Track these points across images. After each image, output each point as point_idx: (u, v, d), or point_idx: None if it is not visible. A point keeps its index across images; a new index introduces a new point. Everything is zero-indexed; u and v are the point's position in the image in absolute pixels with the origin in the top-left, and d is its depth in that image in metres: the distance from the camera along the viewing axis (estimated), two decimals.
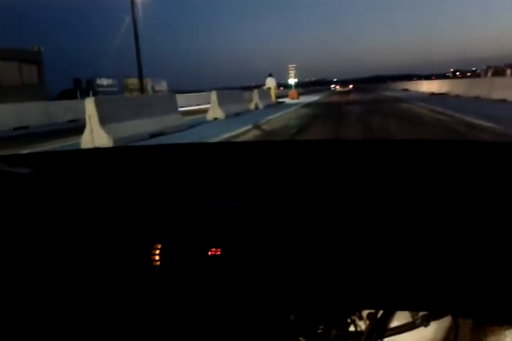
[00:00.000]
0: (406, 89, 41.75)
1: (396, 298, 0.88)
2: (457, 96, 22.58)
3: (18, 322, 1.03)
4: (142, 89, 27.11)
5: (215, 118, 14.93)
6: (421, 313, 0.97)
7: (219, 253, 0.94)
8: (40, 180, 1.28)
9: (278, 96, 27.87)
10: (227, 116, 15.13)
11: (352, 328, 1.04)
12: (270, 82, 26.20)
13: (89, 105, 8.91)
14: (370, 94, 39.42)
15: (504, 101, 16.35)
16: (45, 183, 1.24)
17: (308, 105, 24.32)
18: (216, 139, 9.34)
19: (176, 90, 37.73)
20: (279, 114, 17.04)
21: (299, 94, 35.35)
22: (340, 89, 69.42)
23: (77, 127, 11.27)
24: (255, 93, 21.47)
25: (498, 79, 21.28)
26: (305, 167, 1.19)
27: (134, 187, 1.18)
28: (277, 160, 1.28)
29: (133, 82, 38.62)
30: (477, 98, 19.24)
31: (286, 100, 29.53)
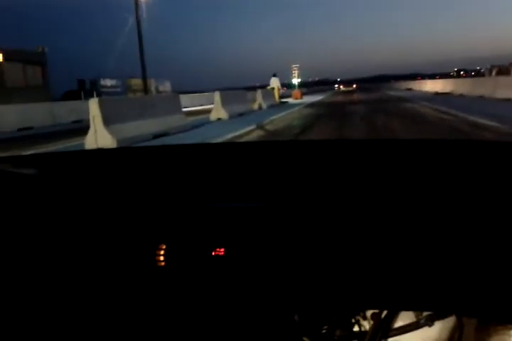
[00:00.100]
0: (410, 89, 41.69)
1: (400, 297, 0.88)
2: (461, 95, 22.53)
3: (23, 320, 1.03)
4: (146, 89, 27.14)
5: (219, 119, 14.94)
6: (425, 313, 0.97)
7: (223, 253, 0.95)
8: (44, 180, 1.28)
9: (281, 97, 27.86)
10: (231, 117, 15.14)
11: (356, 328, 1.04)
12: (274, 82, 26.18)
13: (93, 106, 8.93)
14: (374, 94, 39.36)
15: (508, 100, 16.29)
16: (49, 184, 1.24)
17: (311, 105, 24.31)
18: (220, 139, 9.35)
19: (179, 90, 37.75)
20: (283, 114, 17.04)
21: (303, 94, 35.34)
22: (344, 88, 69.26)
23: (81, 128, 11.30)
24: (258, 93, 21.48)
25: (502, 79, 21.20)
26: (309, 167, 1.19)
27: (138, 188, 1.18)
28: (281, 160, 1.28)
29: (136, 82, 38.69)
30: (481, 97, 19.19)
31: (290, 100, 29.52)
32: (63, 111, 20.21)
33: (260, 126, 12.49)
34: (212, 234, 0.97)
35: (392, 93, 35.85)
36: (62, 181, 1.26)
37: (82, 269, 1.03)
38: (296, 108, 21.08)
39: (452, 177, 1.03)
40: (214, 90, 17.58)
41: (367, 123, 12.07)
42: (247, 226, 0.96)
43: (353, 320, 1.04)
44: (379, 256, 0.88)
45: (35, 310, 1.03)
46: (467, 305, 0.86)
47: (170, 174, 1.27)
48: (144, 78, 26.11)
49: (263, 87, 30.19)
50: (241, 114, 16.36)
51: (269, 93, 24.13)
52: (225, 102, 15.36)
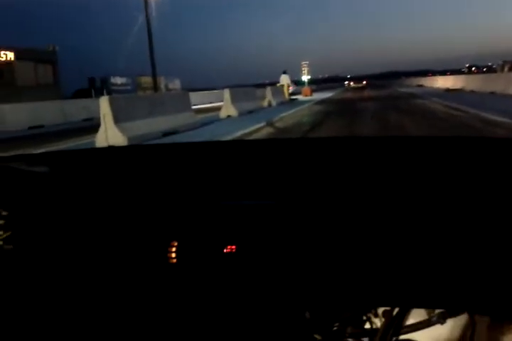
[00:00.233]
0: (421, 85, 41.37)
1: (412, 295, 0.88)
2: (472, 91, 22.32)
3: (42, 314, 1.05)
4: (156, 87, 27.19)
5: (228, 116, 14.94)
6: (437, 311, 0.96)
7: (234, 250, 0.95)
8: (56, 178, 1.29)
9: (291, 94, 27.79)
10: (241, 114, 15.14)
11: (367, 325, 1.04)
12: (284, 79, 26.11)
13: (104, 104, 8.96)
14: (385, 91, 39.15)
15: None
16: (61, 182, 1.25)
17: (321, 102, 24.23)
18: (229, 137, 9.35)
19: (188, 88, 37.78)
20: (292, 111, 17.00)
21: (312, 91, 35.24)
22: (354, 85, 68.84)
23: (92, 126, 11.35)
24: (268, 90, 21.46)
25: None
26: (318, 165, 1.19)
27: (150, 186, 1.19)
28: (290, 158, 1.28)
29: (146, 80, 38.77)
30: (493, 93, 18.99)
31: (300, 97, 29.44)
32: (74, 110, 20.34)
33: (270, 124, 12.48)
34: (223, 232, 0.97)
35: (403, 89, 35.62)
36: (74, 179, 1.27)
37: (94, 265, 1.04)
38: (306, 105, 21.03)
39: (464, 174, 1.03)
40: (223, 88, 17.59)
41: (377, 120, 12.01)
42: (257, 223, 0.96)
43: (365, 318, 1.04)
44: (391, 252, 0.88)
45: (49, 304, 1.04)
46: (480, 303, 0.85)
47: (180, 172, 1.27)
48: (154, 76, 26.14)
49: (273, 84, 30.12)
50: (251, 112, 16.35)
51: (278, 90, 24.10)
52: (234, 100, 15.36)
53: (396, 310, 0.99)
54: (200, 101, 27.37)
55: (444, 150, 1.21)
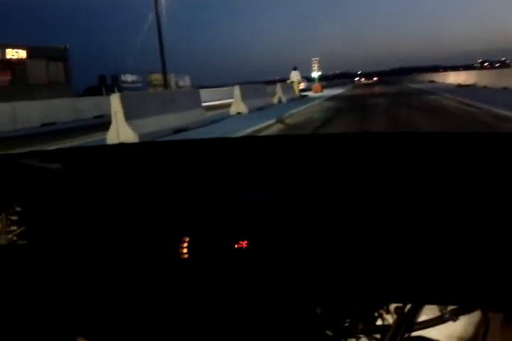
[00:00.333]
0: (432, 81, 41.02)
1: (424, 291, 0.87)
2: (485, 87, 22.08)
3: (55, 308, 1.06)
4: (166, 84, 27.25)
5: (239, 113, 14.93)
6: (450, 307, 0.95)
7: (245, 245, 0.95)
8: (68, 175, 1.30)
9: (301, 90, 27.70)
10: (251, 111, 15.12)
11: (379, 322, 1.03)
12: (295, 76, 26.04)
13: (115, 101, 9.00)
14: (396, 87, 38.90)
15: None
16: (73, 178, 1.26)
17: (331, 98, 24.14)
18: (240, 134, 9.34)
19: (198, 85, 37.80)
20: (303, 107, 16.95)
21: (323, 88, 35.11)
22: (365, 81, 68.61)
23: (103, 123, 11.41)
24: (278, 87, 21.42)
25: None
26: (329, 161, 1.18)
27: (161, 182, 1.19)
28: (301, 154, 1.28)
29: (157, 77, 38.86)
30: (506, 89, 18.77)
31: (310, 93, 29.35)
32: (85, 107, 20.49)
33: (280, 120, 12.45)
34: (235, 227, 0.98)
35: (415, 85, 35.37)
36: (86, 175, 1.28)
37: (107, 262, 1.04)
38: (316, 101, 20.96)
39: (476, 170, 1.02)
40: (233, 84, 17.57)
41: (388, 116, 11.93)
42: (268, 219, 0.96)
43: (376, 314, 1.04)
44: (403, 248, 0.87)
45: (62, 298, 1.05)
46: (493, 300, 0.85)
47: (192, 168, 1.28)
48: (164, 73, 26.18)
49: (283, 80, 30.06)
50: (261, 108, 16.32)
51: (289, 87, 24.04)
52: (244, 96, 15.34)
53: (408, 306, 0.99)
54: (209, 98, 27.37)
55: (456, 145, 1.20)
